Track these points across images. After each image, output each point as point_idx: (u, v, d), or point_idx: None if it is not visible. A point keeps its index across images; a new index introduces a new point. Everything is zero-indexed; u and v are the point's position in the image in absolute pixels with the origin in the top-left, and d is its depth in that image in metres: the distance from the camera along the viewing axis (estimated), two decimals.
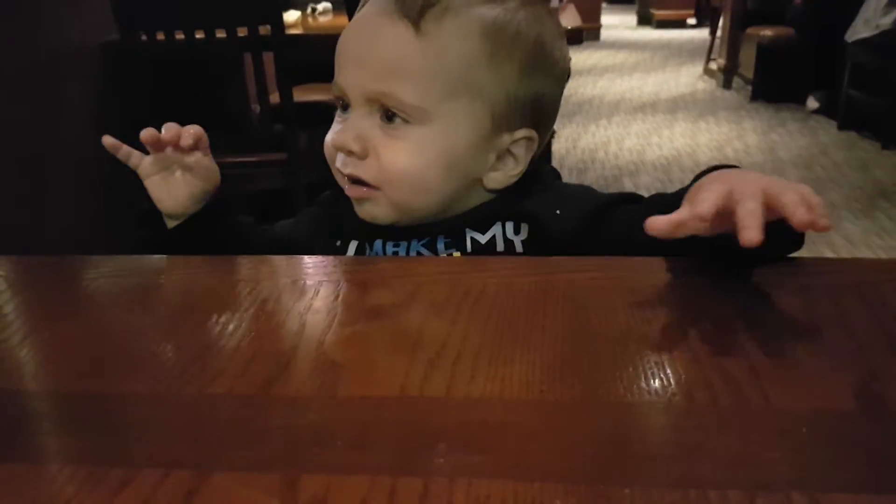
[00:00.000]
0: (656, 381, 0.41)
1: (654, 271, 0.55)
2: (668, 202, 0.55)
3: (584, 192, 0.71)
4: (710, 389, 0.40)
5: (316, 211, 0.78)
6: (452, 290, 0.54)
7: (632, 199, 0.68)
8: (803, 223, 0.44)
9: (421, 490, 0.33)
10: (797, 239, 0.54)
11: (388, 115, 0.62)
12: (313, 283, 0.56)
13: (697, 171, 0.58)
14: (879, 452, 0.36)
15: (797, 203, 0.45)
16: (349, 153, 0.63)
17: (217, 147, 0.73)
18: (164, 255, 0.64)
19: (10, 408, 0.43)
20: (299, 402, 0.41)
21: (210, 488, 0.34)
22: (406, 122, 0.62)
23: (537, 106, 0.66)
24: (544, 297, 0.52)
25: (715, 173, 0.54)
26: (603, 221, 0.65)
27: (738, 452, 0.35)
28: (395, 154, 0.62)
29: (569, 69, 0.70)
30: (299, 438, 0.38)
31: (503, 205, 0.67)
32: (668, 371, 0.42)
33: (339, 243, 0.72)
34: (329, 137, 0.66)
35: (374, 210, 0.65)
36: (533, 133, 0.66)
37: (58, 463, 0.37)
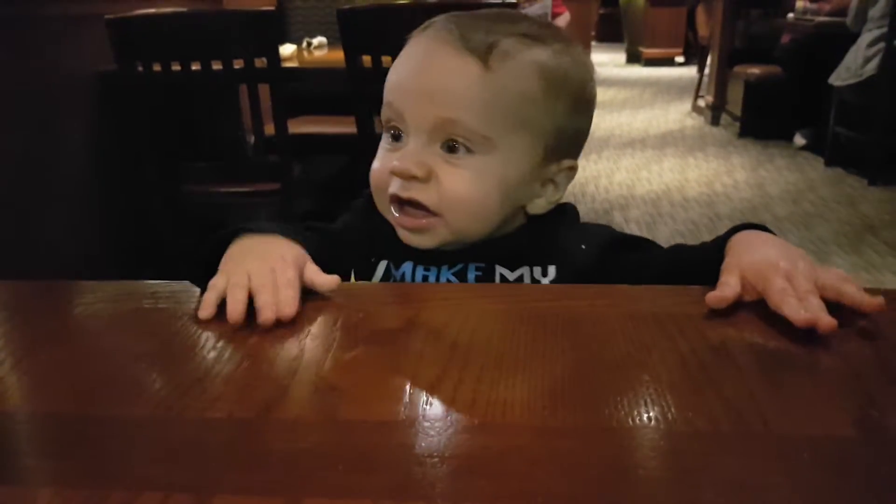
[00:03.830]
0: (657, 406, 0.41)
1: (655, 299, 0.55)
2: (693, 258, 0.65)
3: (604, 230, 0.76)
4: (711, 415, 0.41)
5: (351, 221, 0.77)
6: (453, 316, 0.54)
7: (644, 243, 0.73)
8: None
9: None
10: None
11: (450, 146, 0.65)
12: (312, 308, 0.56)
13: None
14: (879, 477, 0.36)
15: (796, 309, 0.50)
16: (411, 178, 0.65)
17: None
18: (160, 281, 0.64)
19: (6, 431, 0.42)
20: (300, 425, 0.41)
21: None
22: (469, 151, 0.65)
23: (577, 138, 0.71)
24: (545, 324, 0.52)
25: (752, 245, 0.58)
26: (618, 256, 0.70)
27: (740, 476, 0.36)
28: (456, 181, 0.65)
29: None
30: (300, 462, 0.38)
31: (533, 236, 0.71)
32: (669, 396, 0.42)
33: (372, 260, 0.72)
34: (380, 164, 0.68)
35: (427, 239, 0.67)
36: (574, 163, 0.71)
37: (56, 486, 0.37)
